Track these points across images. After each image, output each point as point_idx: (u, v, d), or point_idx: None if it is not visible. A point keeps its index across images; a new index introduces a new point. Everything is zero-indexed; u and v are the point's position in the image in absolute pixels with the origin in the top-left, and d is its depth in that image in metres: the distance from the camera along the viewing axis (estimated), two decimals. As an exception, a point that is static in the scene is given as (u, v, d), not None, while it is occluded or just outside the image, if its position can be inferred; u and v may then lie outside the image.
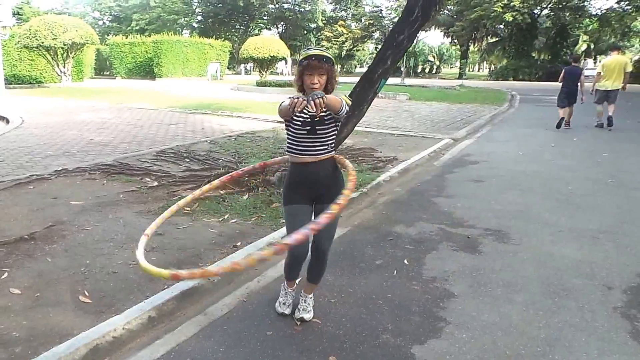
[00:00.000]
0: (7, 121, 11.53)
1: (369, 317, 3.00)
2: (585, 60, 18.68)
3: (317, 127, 2.67)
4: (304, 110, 2.64)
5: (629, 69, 11.26)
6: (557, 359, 2.63)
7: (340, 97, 2.58)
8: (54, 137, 9.06)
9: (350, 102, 2.70)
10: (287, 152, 2.82)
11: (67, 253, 3.80)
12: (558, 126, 11.19)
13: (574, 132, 10.97)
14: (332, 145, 2.79)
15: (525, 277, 3.64)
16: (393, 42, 5.35)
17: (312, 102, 2.31)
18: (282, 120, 2.75)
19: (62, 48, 23.81)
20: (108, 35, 44.24)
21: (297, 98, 2.36)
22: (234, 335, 2.81)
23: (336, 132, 2.79)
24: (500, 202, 5.59)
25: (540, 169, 7.27)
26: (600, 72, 11.41)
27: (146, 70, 33.11)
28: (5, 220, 4.51)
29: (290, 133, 2.75)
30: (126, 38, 36.01)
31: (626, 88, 11.54)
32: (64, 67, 25.10)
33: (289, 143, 2.78)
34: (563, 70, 11.66)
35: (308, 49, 2.74)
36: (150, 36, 36.14)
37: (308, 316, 2.96)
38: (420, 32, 5.76)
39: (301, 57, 2.65)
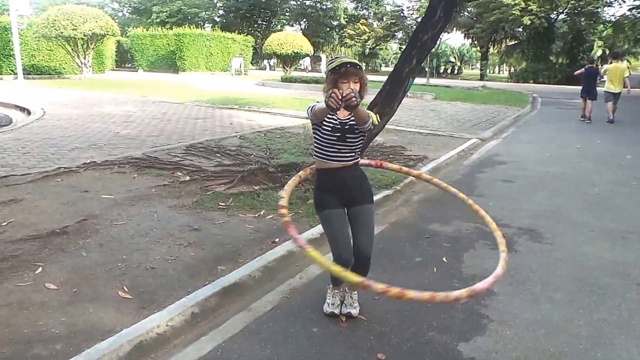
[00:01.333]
0: (29, 112, 11.47)
1: (414, 314, 3.03)
2: (602, 65, 19.16)
3: (347, 135, 2.73)
4: (334, 116, 2.73)
5: (627, 74, 13.02)
6: (599, 357, 2.66)
7: (369, 113, 2.63)
8: (79, 130, 9.10)
9: (377, 122, 2.77)
10: (314, 157, 2.88)
11: (102, 248, 3.76)
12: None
13: (597, 134, 11.09)
14: (359, 152, 2.86)
15: (562, 276, 3.68)
16: (417, 42, 5.40)
17: (347, 89, 2.34)
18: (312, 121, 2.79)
19: (82, 39, 23.69)
20: (128, 28, 44.45)
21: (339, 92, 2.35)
22: (280, 332, 2.83)
23: (363, 141, 2.84)
24: (531, 203, 5.61)
25: (566, 171, 7.29)
26: (605, 75, 13.40)
27: (169, 63, 33.21)
28: (35, 213, 4.45)
29: (318, 138, 2.80)
30: (147, 30, 36.13)
31: (630, 91, 13.49)
32: (85, 58, 25.00)
33: (317, 148, 2.83)
34: (583, 69, 13.90)
35: (336, 58, 2.77)
36: (171, 29, 36.25)
37: (355, 311, 3.00)
38: (443, 33, 5.80)
39: (334, 65, 2.66)
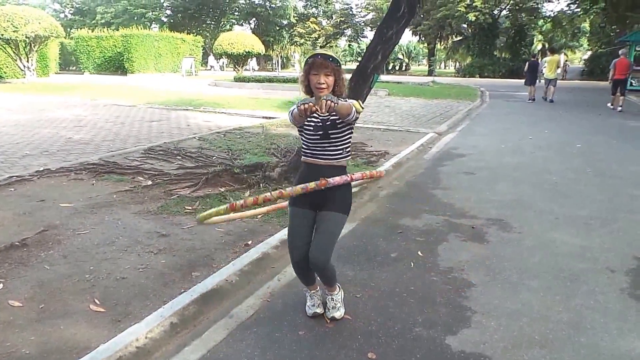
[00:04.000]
0: (-30, 120, 10.98)
1: (397, 311, 3.01)
2: (542, 58, 23.99)
3: (330, 132, 2.63)
4: (315, 115, 2.60)
5: (561, 64, 18.41)
6: (582, 341, 2.72)
7: (351, 103, 2.51)
8: (28, 136, 8.74)
9: (362, 108, 2.62)
10: (302, 156, 2.77)
11: (67, 259, 3.58)
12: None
13: (547, 124, 11.66)
14: (348, 151, 2.73)
15: (535, 263, 3.76)
16: (382, 38, 5.44)
17: (322, 102, 2.27)
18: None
19: (24, 41, 22.77)
20: (71, 29, 42.75)
21: (306, 103, 2.31)
22: (266, 337, 2.74)
23: (351, 137, 2.73)
24: (495, 193, 5.74)
25: (524, 161, 7.53)
26: (544, 66, 17.59)
27: (116, 65, 32.31)
28: (-11, 226, 4.22)
29: (303, 138, 2.72)
30: (92, 31, 35.02)
31: (565, 77, 19.79)
32: (28, 61, 24.03)
33: (303, 147, 2.75)
34: (527, 63, 18.10)
35: (314, 49, 2.72)
36: (118, 30, 35.26)
37: (339, 314, 2.90)
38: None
39: (308, 57, 2.64)
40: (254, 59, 37.14)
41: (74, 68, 36.68)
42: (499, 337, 2.74)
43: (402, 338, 2.73)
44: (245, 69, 34.95)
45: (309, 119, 2.65)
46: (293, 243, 2.76)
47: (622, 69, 14.52)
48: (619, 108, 14.45)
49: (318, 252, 2.66)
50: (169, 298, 3.03)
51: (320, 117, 2.66)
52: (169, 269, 3.48)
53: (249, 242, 3.96)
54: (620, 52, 15.92)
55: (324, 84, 2.55)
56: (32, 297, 3.03)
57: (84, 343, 2.57)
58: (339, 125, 2.63)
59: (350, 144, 2.76)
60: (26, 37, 22.49)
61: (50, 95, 16.65)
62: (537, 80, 17.56)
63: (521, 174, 6.71)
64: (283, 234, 4.10)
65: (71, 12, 56.16)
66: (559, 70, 17.99)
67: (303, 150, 2.76)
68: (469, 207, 5.16)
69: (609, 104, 15.29)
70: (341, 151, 2.69)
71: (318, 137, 2.64)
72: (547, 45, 46.79)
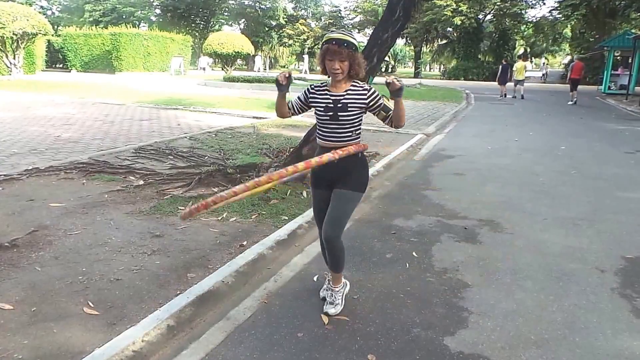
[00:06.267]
0: (-46, 117, 10.83)
1: (395, 312, 3.02)
2: (515, 62, 28.33)
3: (339, 114, 2.68)
4: (327, 95, 2.72)
5: (528, 68, 22.33)
6: (577, 341, 2.75)
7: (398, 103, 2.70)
8: (15, 134, 8.62)
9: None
10: (317, 139, 2.89)
11: (59, 260, 3.50)
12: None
13: (530, 127, 11.98)
14: (358, 133, 2.79)
15: (527, 264, 3.81)
16: (378, 41, 5.48)
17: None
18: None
19: (11, 38, 22.56)
20: (58, 27, 42.36)
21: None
22: (264, 340, 2.71)
23: (361, 120, 2.79)
24: (484, 194, 5.81)
25: (510, 162, 7.65)
26: (514, 70, 21.05)
27: (104, 63, 32.18)
28: (-23, 226, 4.13)
29: (317, 119, 2.81)
30: (80, 29, 34.74)
31: (546, 80, 27.65)
32: (14, 58, 23.79)
33: (317, 127, 2.85)
34: (500, 67, 21.52)
35: (331, 32, 2.69)
36: (106, 28, 35.04)
37: (332, 311, 2.93)
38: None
39: (323, 40, 2.65)
40: (260, 58, 36.97)
41: (61, 66, 36.30)
42: (495, 337, 2.76)
43: (401, 339, 2.74)
44: (240, 68, 34.88)
45: (320, 99, 2.75)
46: (317, 223, 3.00)
47: (577, 71, 18.65)
48: (573, 100, 18.44)
49: (328, 227, 2.81)
50: (164, 300, 2.99)
51: (332, 98, 2.70)
52: (163, 270, 3.44)
53: (244, 243, 3.95)
54: (574, 57, 21.69)
55: (338, 69, 2.62)
56: (24, 300, 2.96)
57: (79, 347, 2.52)
58: (349, 108, 2.68)
59: (360, 127, 2.82)
60: (13, 34, 22.25)
61: (38, 93, 16.43)
62: (507, 81, 21.30)
63: (509, 175, 6.81)
64: (278, 234, 4.12)
65: (58, 9, 55.53)
66: (541, 72, 21.41)
67: (317, 130, 2.86)
68: (460, 207, 5.21)
69: (569, 102, 18.68)
70: (350, 133, 2.75)
71: (327, 117, 2.72)
72: (528, 50, 47.78)
